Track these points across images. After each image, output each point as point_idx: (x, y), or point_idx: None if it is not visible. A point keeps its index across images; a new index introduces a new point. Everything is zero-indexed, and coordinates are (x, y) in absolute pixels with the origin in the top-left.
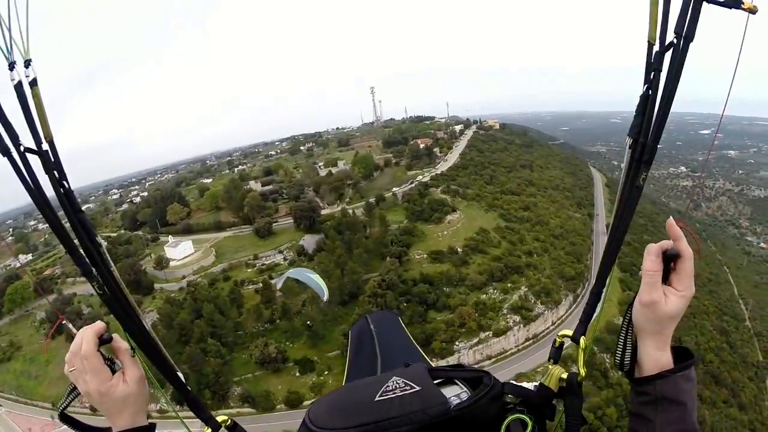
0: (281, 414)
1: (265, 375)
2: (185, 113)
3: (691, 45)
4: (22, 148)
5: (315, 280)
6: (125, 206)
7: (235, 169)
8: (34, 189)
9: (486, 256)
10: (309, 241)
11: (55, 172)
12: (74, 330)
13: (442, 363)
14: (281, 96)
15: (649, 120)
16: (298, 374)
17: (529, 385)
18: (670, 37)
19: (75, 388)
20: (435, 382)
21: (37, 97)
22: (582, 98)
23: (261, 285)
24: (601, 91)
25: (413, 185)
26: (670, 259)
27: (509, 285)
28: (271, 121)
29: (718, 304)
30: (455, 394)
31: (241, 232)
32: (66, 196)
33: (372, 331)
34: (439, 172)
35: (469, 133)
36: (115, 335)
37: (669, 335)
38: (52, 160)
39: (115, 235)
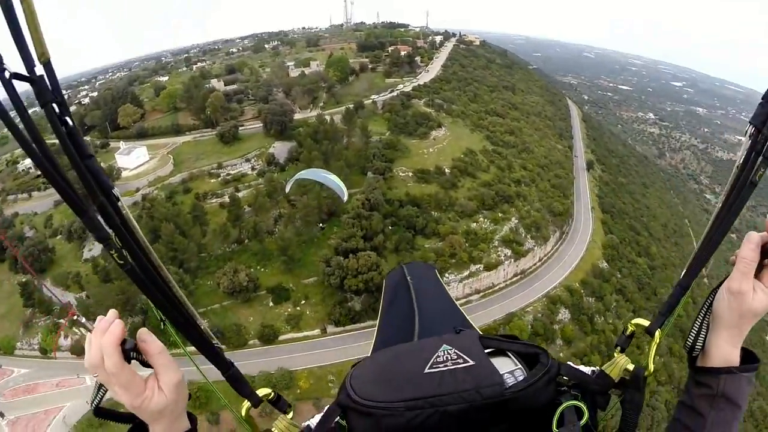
0: (255, 351)
1: (234, 305)
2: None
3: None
4: (7, 74)
5: (332, 179)
6: (72, 109)
7: (194, 67)
8: (27, 130)
9: (475, 180)
10: (280, 149)
11: (54, 105)
12: (89, 327)
13: None
14: None
15: None
16: (271, 304)
17: (587, 369)
18: None
19: (102, 384)
20: (486, 351)
21: (26, 2)
22: (558, 26)
23: (228, 199)
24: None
25: (394, 94)
26: (766, 256)
27: (500, 215)
28: (230, 17)
29: (681, 256)
30: (509, 370)
31: (203, 137)
32: (69, 136)
33: (409, 282)
34: (421, 82)
35: (449, 45)
36: (140, 333)
37: (746, 331)
38: (50, 88)
39: (57, 143)
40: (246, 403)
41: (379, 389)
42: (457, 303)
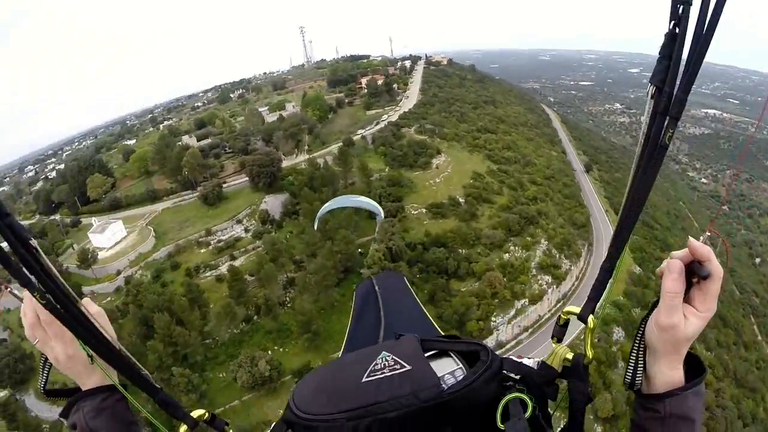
0: None
1: (257, 398)
2: (89, 69)
3: None
4: None
5: (364, 200)
6: (38, 185)
7: (160, 126)
8: None
9: (492, 205)
10: (273, 203)
11: None
12: (19, 298)
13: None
14: (195, 43)
15: (677, 65)
16: None
17: (530, 362)
18: None
19: (47, 359)
20: (428, 354)
21: None
22: (510, 36)
23: (225, 271)
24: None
25: (382, 126)
26: (692, 275)
27: (528, 239)
28: (189, 73)
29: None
30: (449, 370)
31: (183, 201)
32: None
33: (377, 293)
34: (406, 109)
35: (420, 68)
36: (84, 300)
37: (684, 354)
38: None
39: (27, 224)
40: (183, 427)
41: (319, 402)
42: (428, 314)
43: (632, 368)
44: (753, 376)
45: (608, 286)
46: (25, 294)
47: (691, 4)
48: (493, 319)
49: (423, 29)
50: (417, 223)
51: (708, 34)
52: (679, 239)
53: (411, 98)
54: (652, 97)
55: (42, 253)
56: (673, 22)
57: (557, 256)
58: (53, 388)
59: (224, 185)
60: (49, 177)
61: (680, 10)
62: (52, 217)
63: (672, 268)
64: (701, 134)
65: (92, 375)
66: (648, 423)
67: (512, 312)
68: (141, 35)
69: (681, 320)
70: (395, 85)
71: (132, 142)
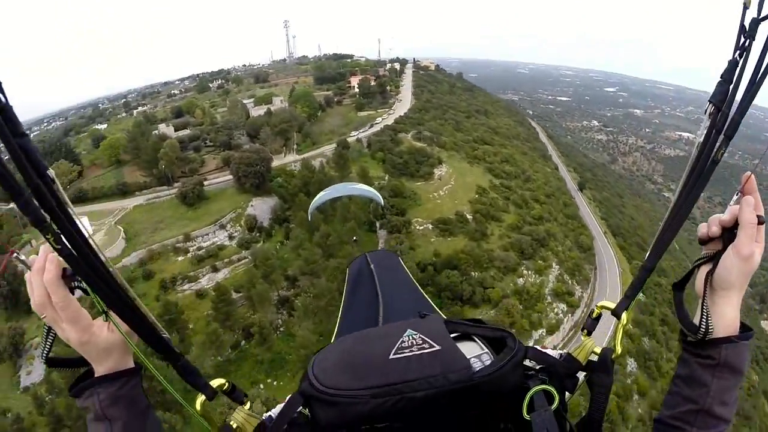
0: None
1: None
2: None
3: None
4: None
5: (363, 188)
6: None
7: (134, 112)
8: None
9: (501, 224)
10: (261, 208)
11: None
12: (29, 265)
13: None
14: (173, 29)
15: (735, 90)
16: None
17: (554, 353)
18: None
19: (51, 328)
20: (452, 336)
21: None
22: (490, 47)
23: (204, 283)
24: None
25: (377, 129)
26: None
27: (541, 263)
28: (165, 60)
29: (686, 265)
30: (475, 354)
31: (159, 198)
32: (1, 112)
33: (372, 270)
34: (401, 113)
35: (409, 72)
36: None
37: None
38: None
39: None
40: (201, 397)
41: (344, 377)
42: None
43: (705, 316)
44: (747, 405)
45: (644, 283)
46: (36, 260)
47: (754, 39)
48: None
49: (405, 34)
50: (424, 240)
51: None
52: (673, 262)
53: (404, 102)
54: (710, 115)
55: (60, 187)
56: (737, 52)
57: (570, 281)
58: (57, 357)
59: (205, 183)
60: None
61: (745, 43)
62: (9, 207)
63: (748, 201)
64: (675, 156)
65: (106, 360)
66: (699, 372)
67: (531, 343)
68: (116, 18)
69: (758, 248)
70: (388, 87)
71: (103, 126)
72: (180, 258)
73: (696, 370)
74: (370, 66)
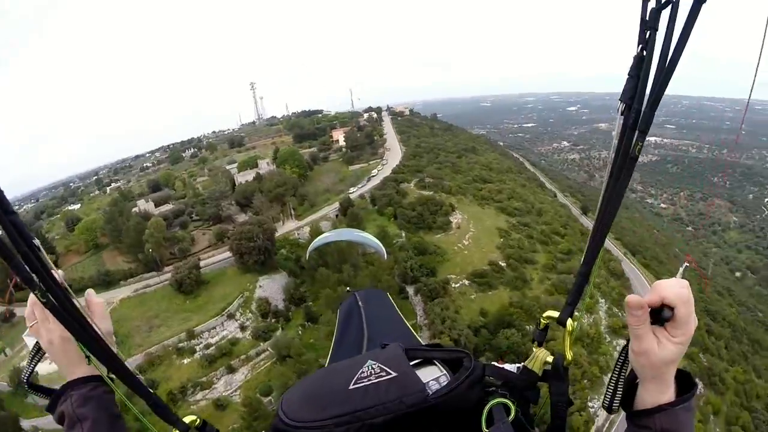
0: None
1: None
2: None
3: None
4: None
5: (368, 237)
6: None
7: (107, 189)
8: None
9: (536, 266)
10: (271, 288)
11: None
12: None
13: None
14: (138, 102)
15: (644, 84)
16: None
17: (512, 367)
18: None
19: (39, 350)
20: (413, 363)
21: None
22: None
23: (222, 390)
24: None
25: (377, 182)
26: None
27: (589, 300)
28: (132, 133)
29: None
30: (434, 377)
31: (149, 287)
32: None
33: (360, 308)
34: (396, 162)
35: (387, 119)
36: (88, 292)
37: (670, 377)
38: None
39: None
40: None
41: (307, 409)
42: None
43: (611, 392)
44: None
45: (585, 291)
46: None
47: (657, 30)
48: (592, 404)
49: (366, 84)
50: (464, 299)
51: (675, 56)
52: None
53: (393, 150)
54: (622, 114)
55: (44, 253)
56: (640, 46)
57: (620, 314)
58: (37, 384)
59: (201, 264)
60: None
61: (647, 35)
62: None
63: (631, 303)
64: (649, 161)
65: (83, 363)
66: None
67: (603, 390)
68: (81, 93)
69: (653, 346)
70: (376, 137)
71: (77, 207)
72: (186, 360)
73: None
74: (347, 118)
